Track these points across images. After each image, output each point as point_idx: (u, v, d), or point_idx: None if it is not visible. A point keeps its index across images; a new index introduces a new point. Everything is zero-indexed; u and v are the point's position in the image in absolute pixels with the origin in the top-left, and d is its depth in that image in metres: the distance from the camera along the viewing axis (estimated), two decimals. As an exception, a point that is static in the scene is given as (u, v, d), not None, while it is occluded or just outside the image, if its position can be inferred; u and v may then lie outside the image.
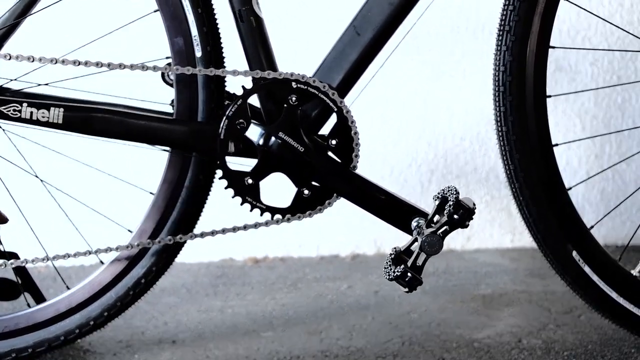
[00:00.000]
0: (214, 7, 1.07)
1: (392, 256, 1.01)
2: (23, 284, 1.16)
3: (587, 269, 1.09)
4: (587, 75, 1.73)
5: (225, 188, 1.05)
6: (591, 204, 1.79)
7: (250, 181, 1.04)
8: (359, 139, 1.05)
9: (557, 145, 1.08)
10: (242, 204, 1.05)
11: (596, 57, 1.72)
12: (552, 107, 1.74)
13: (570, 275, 1.10)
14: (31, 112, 1.01)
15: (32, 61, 1.00)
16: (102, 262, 1.14)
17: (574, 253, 1.09)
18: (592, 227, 1.12)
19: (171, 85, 1.08)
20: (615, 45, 1.73)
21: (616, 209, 1.78)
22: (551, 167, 1.07)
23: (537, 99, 1.05)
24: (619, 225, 1.81)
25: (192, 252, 1.69)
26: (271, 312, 1.38)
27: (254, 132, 1.04)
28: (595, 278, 1.10)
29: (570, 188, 1.10)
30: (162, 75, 1.08)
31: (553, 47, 1.06)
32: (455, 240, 1.79)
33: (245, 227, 1.06)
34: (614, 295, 1.10)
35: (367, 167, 1.71)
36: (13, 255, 1.13)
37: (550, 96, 1.07)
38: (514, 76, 1.03)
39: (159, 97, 1.13)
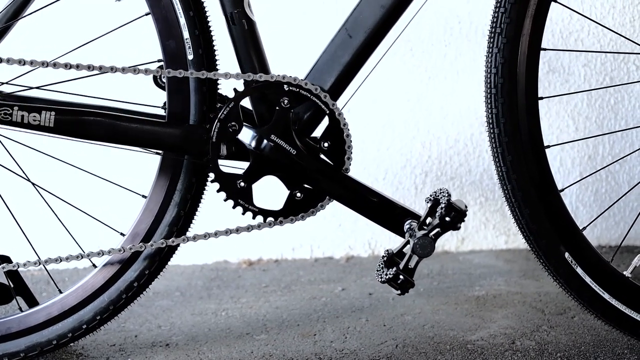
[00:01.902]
0: (206, 10, 1.07)
1: (385, 258, 1.01)
2: (15, 287, 1.15)
3: (579, 270, 1.09)
4: (580, 76, 1.73)
5: (218, 191, 1.05)
6: (585, 204, 1.79)
7: (242, 184, 1.04)
8: (351, 141, 1.05)
9: (549, 146, 1.08)
10: (234, 207, 1.05)
11: (589, 58, 1.73)
12: (546, 109, 1.74)
13: (563, 277, 1.10)
14: (22, 116, 1.01)
15: (23, 64, 1.00)
16: (94, 266, 1.14)
17: (567, 254, 1.09)
18: (584, 228, 1.12)
19: (163, 88, 1.08)
20: (607, 46, 1.73)
21: (609, 210, 1.79)
22: (543, 169, 1.07)
23: (529, 100, 1.05)
24: (613, 225, 1.81)
25: (186, 255, 1.69)
26: (265, 315, 1.38)
27: (246, 135, 1.03)
28: (587, 279, 1.10)
29: (563, 189, 1.10)
30: (154, 78, 1.08)
31: (545, 49, 1.06)
32: (449, 242, 1.80)
33: (237, 230, 1.06)
34: (606, 296, 1.10)
35: (362, 169, 1.72)
36: (5, 259, 1.12)
37: (542, 98, 1.07)
38: (505, 78, 1.03)
39: (151, 100, 1.12)
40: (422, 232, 0.99)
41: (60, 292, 1.14)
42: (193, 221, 1.12)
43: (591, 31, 1.72)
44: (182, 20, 1.04)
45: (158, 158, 1.11)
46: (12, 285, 1.15)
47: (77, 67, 1.01)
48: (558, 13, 1.70)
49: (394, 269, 0.98)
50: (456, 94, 1.73)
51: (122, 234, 1.13)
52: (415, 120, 1.74)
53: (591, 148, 1.77)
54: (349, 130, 1.04)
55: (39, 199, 1.17)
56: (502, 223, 1.80)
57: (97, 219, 1.18)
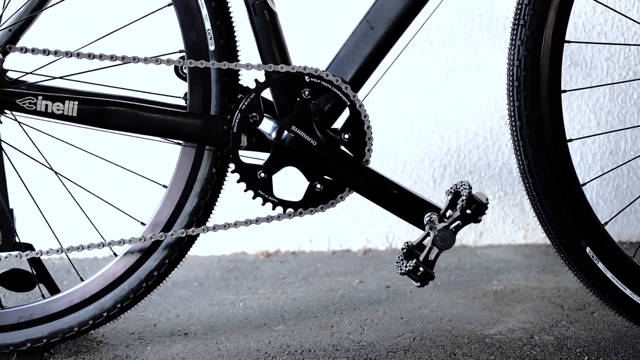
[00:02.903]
0: (228, 0, 1.07)
1: (404, 250, 1.01)
2: (38, 275, 1.17)
3: (600, 265, 1.08)
4: (602, 70, 1.71)
5: (238, 182, 1.05)
6: (605, 200, 1.78)
7: (262, 175, 1.04)
8: (371, 133, 1.04)
9: (571, 140, 1.07)
10: (254, 198, 1.05)
11: (612, 52, 1.70)
12: (567, 103, 1.72)
13: (584, 272, 1.09)
14: (46, 105, 1.02)
15: (47, 54, 1.01)
16: (115, 255, 1.15)
17: (588, 249, 1.08)
18: (606, 223, 1.11)
19: (184, 78, 1.08)
20: (631, 40, 1.71)
21: (631, 206, 1.77)
22: (565, 163, 1.06)
23: (551, 93, 1.04)
24: (634, 221, 1.79)
25: (204, 246, 1.70)
26: (283, 306, 1.39)
27: (267, 126, 1.04)
28: (609, 275, 1.09)
29: (584, 184, 1.09)
30: (176, 68, 1.09)
31: (568, 42, 1.05)
32: (467, 236, 1.79)
33: (257, 221, 1.07)
34: (628, 292, 1.09)
35: (380, 162, 1.72)
36: (28, 247, 1.14)
37: (565, 91, 1.06)
38: (528, 71, 1.03)
39: (173, 91, 1.13)
40: (443, 224, 0.99)
41: (82, 279, 1.15)
42: (213, 211, 1.12)
43: (615, 24, 1.70)
44: (204, 11, 1.05)
45: (179, 148, 1.11)
46: (34, 273, 1.16)
47: (100, 57, 1.02)
48: (581, 5, 1.68)
49: (414, 261, 0.98)
50: (476, 87, 1.72)
51: (142, 223, 1.14)
52: (435, 113, 1.73)
53: (613, 143, 1.75)
54: (369, 122, 1.04)
55: (61, 188, 1.18)
56: (520, 217, 1.79)
57: (118, 208, 1.19)
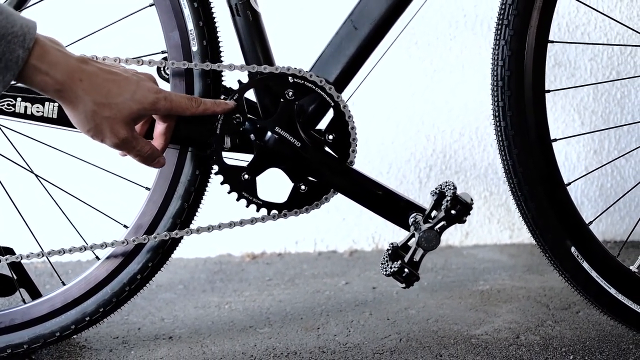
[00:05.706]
0: (210, 1, 1.06)
1: (389, 252, 1.00)
2: (18, 279, 1.15)
3: (585, 265, 1.09)
4: (586, 70, 1.72)
5: (222, 183, 1.04)
6: (590, 199, 1.79)
7: (246, 176, 1.03)
8: (356, 134, 1.04)
9: (556, 140, 1.07)
10: (238, 200, 1.04)
11: (595, 52, 1.71)
12: (551, 103, 1.73)
13: (569, 271, 1.10)
14: (25, 107, 1.00)
15: (27, 55, 0.99)
16: (97, 258, 1.14)
17: (573, 249, 1.08)
18: (590, 222, 1.11)
19: (167, 79, 1.07)
20: (614, 40, 1.72)
21: (615, 205, 1.78)
22: (550, 163, 1.06)
23: (536, 93, 1.04)
24: (618, 220, 1.80)
25: (189, 248, 1.68)
26: (268, 308, 1.38)
27: (251, 127, 1.03)
28: (593, 274, 1.09)
29: (569, 184, 1.09)
30: (158, 69, 1.07)
31: (552, 42, 1.05)
32: (453, 236, 1.79)
33: (241, 223, 1.06)
34: (612, 291, 1.10)
35: (365, 162, 1.72)
36: (8, 251, 1.12)
37: (549, 91, 1.06)
38: (512, 71, 1.03)
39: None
40: (428, 225, 0.98)
41: (64, 284, 1.14)
42: (197, 213, 1.11)
43: (598, 24, 1.71)
44: (187, 12, 1.03)
45: (162, 150, 1.10)
46: (15, 277, 1.14)
47: (81, 58, 1.00)
48: (564, 6, 1.69)
49: (399, 262, 0.97)
50: (461, 88, 1.72)
51: (125, 226, 1.13)
52: (420, 114, 1.73)
53: (597, 142, 1.76)
54: (354, 122, 1.03)
55: (42, 191, 1.16)
56: (506, 217, 1.79)
57: (101, 211, 1.17)
